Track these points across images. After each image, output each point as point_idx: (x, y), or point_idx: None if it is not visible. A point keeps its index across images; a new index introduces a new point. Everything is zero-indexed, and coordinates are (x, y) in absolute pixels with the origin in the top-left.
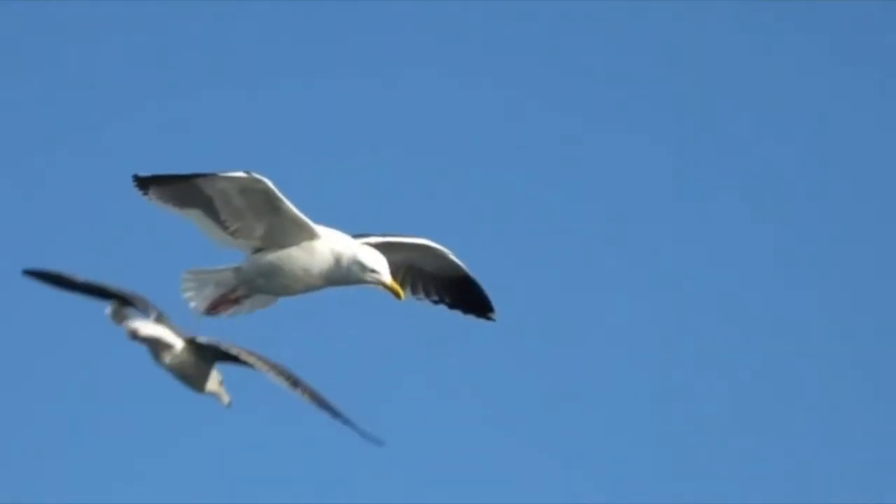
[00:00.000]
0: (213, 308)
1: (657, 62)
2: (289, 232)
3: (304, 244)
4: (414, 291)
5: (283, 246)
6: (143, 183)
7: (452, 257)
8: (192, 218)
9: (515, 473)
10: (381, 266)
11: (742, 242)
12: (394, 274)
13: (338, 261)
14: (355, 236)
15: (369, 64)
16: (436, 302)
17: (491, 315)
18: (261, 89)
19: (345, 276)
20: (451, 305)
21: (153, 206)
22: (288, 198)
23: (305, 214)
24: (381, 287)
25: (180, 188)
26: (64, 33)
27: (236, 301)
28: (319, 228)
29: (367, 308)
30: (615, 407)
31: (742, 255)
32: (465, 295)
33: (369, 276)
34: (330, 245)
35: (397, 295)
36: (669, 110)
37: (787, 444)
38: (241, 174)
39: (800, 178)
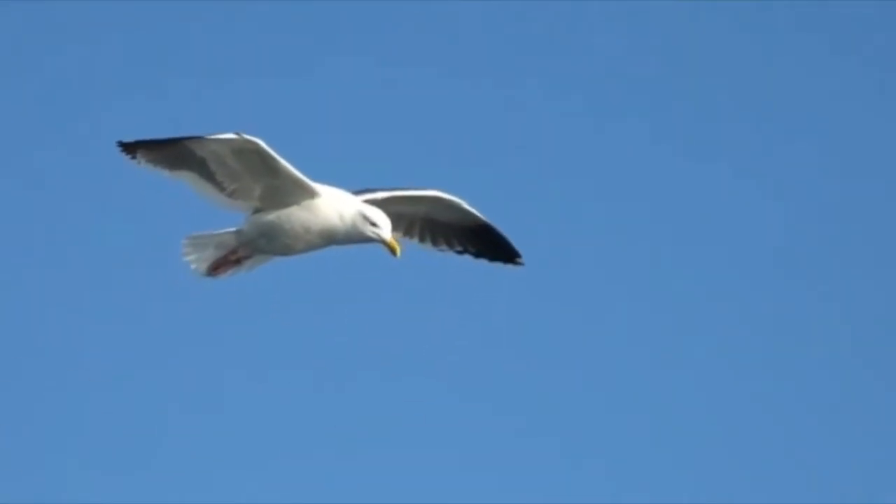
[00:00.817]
0: (215, 269)
1: (660, 59)
2: (288, 192)
3: (305, 203)
4: (435, 244)
5: (283, 206)
6: (129, 148)
7: (467, 206)
8: (187, 181)
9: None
10: (383, 222)
11: (746, 236)
12: (409, 227)
13: (340, 218)
14: (359, 192)
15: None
16: (460, 252)
17: (518, 260)
18: (257, 83)
19: (347, 233)
20: (477, 254)
21: (144, 170)
22: (285, 158)
23: (304, 174)
24: (381, 244)
25: (170, 151)
26: (58, 32)
27: (237, 262)
28: (320, 187)
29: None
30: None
31: (746, 249)
32: (487, 243)
33: (371, 232)
34: (331, 202)
35: (394, 252)
36: (672, 107)
37: (803, 444)
38: (231, 136)
39: (805, 170)
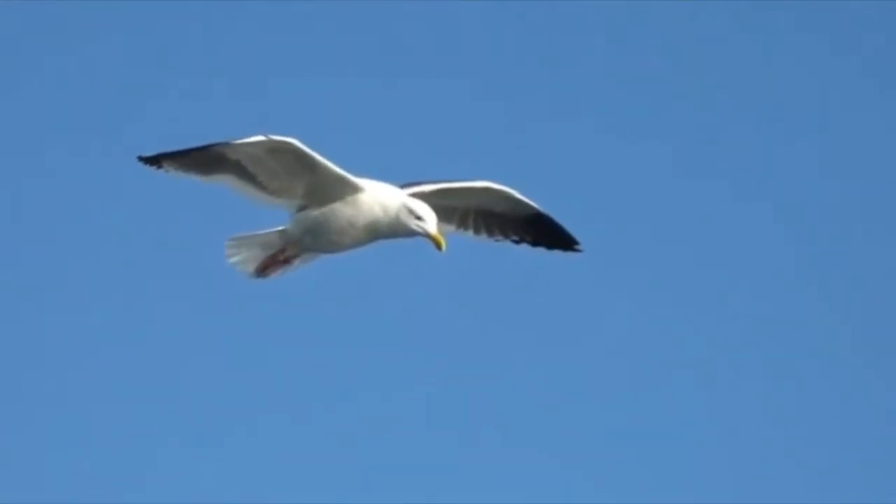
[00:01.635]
0: (263, 270)
1: (660, 63)
2: (331, 188)
3: (349, 198)
4: (490, 234)
5: (326, 202)
6: (152, 161)
7: (518, 196)
8: (226, 184)
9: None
10: (428, 215)
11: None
12: (462, 220)
13: (384, 212)
14: (405, 185)
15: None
16: (517, 241)
17: (577, 247)
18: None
19: (392, 227)
20: (534, 243)
21: (174, 178)
22: (322, 155)
23: (345, 169)
24: (426, 238)
25: (199, 159)
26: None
27: (286, 261)
28: (362, 181)
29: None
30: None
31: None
32: (542, 231)
33: (416, 225)
34: (375, 196)
35: (439, 246)
36: (673, 112)
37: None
38: (260, 138)
39: (804, 177)
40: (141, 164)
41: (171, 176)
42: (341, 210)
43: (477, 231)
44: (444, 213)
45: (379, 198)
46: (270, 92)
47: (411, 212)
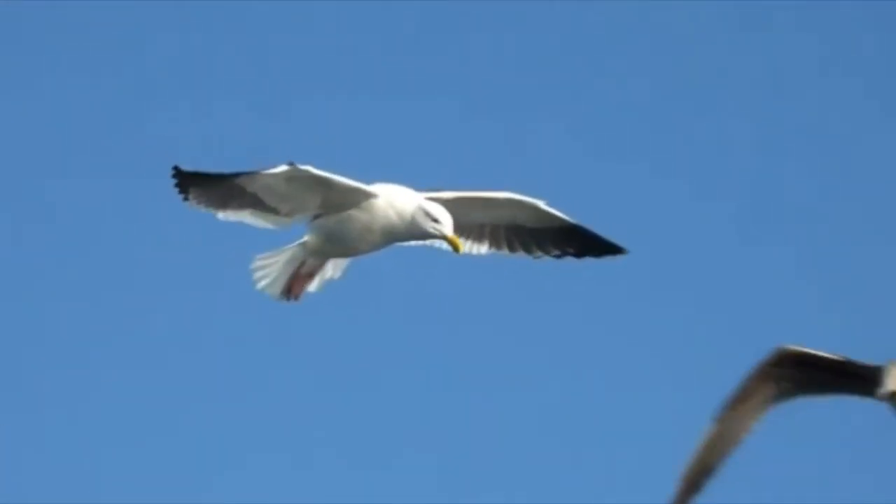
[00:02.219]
0: (289, 291)
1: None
2: (345, 198)
3: (364, 204)
4: (528, 251)
5: (342, 210)
6: (185, 181)
7: (546, 208)
8: (242, 219)
9: None
10: (444, 217)
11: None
12: (493, 237)
13: (399, 215)
14: (424, 190)
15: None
16: (558, 256)
17: (622, 250)
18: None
19: (407, 229)
20: (578, 255)
21: (193, 210)
22: (336, 173)
23: (359, 181)
24: (444, 241)
25: (222, 190)
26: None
27: (310, 276)
28: (376, 187)
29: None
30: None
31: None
32: (582, 243)
33: (432, 228)
34: (389, 201)
35: (456, 248)
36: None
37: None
38: (285, 168)
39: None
40: (173, 187)
41: (190, 207)
42: (357, 216)
43: (512, 249)
44: (475, 231)
45: (393, 202)
46: (284, 112)
47: (427, 214)
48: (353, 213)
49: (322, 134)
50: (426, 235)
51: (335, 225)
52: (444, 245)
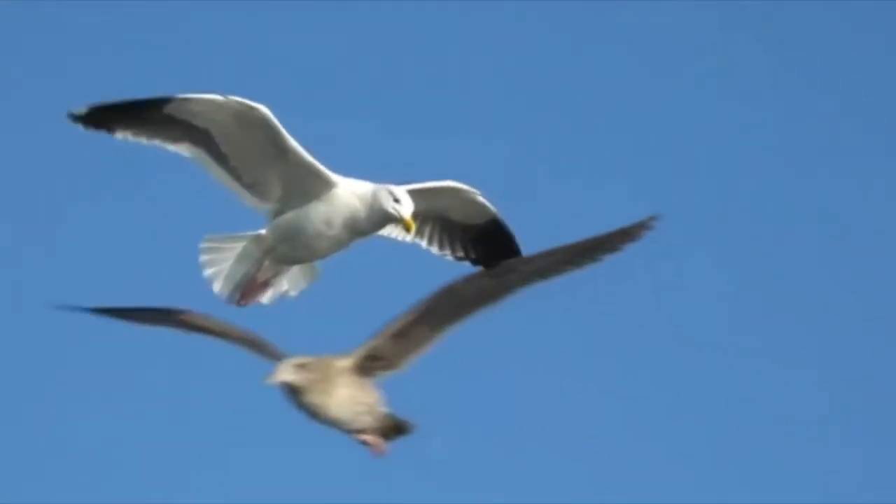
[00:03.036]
0: (243, 297)
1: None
2: (305, 182)
3: (324, 195)
4: (440, 247)
5: (302, 202)
6: (91, 120)
7: (480, 199)
8: (199, 160)
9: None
10: (405, 198)
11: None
12: (419, 227)
13: (361, 201)
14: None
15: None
16: (460, 258)
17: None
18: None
19: (370, 215)
20: (475, 261)
21: (133, 144)
22: (293, 136)
23: (318, 160)
24: (399, 223)
25: (155, 120)
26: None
27: (265, 284)
28: (335, 176)
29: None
30: None
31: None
32: (492, 244)
33: (393, 208)
34: (349, 188)
35: (408, 229)
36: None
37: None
38: (216, 97)
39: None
40: (83, 128)
41: (129, 141)
42: (317, 208)
43: (430, 241)
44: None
45: (353, 189)
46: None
47: (391, 193)
48: (314, 205)
49: None
50: (386, 218)
51: (294, 218)
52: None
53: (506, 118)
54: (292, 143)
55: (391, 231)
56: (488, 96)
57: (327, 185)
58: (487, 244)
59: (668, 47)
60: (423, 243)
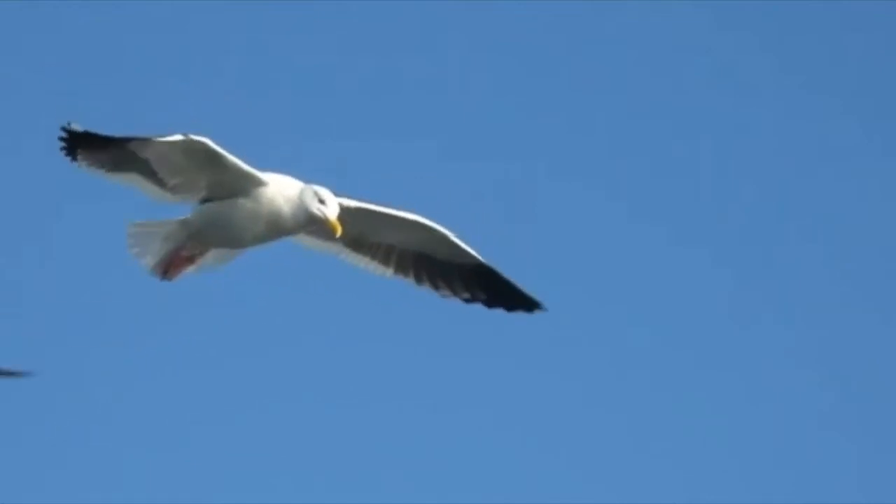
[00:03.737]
0: (167, 269)
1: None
2: (235, 183)
3: (252, 192)
4: (435, 287)
5: (229, 196)
6: (73, 142)
7: (455, 240)
8: (129, 182)
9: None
10: (331, 201)
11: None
12: (400, 262)
13: (286, 200)
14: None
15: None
16: (468, 301)
17: (538, 305)
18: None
19: (294, 215)
20: (488, 303)
21: (81, 170)
22: (232, 153)
23: (253, 166)
24: (325, 224)
25: (114, 153)
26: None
27: (190, 259)
28: (268, 175)
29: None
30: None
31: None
32: (494, 289)
33: (317, 209)
34: (278, 188)
35: (334, 231)
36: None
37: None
38: (179, 137)
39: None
40: (61, 147)
41: (80, 167)
42: (243, 204)
43: (419, 280)
44: (381, 251)
45: (281, 189)
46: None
47: (315, 193)
48: (241, 200)
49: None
50: (310, 219)
51: (220, 210)
52: (345, 257)
53: (505, 120)
54: (230, 159)
55: (374, 267)
56: (488, 98)
57: (255, 183)
58: (488, 286)
59: (667, 49)
60: (410, 281)
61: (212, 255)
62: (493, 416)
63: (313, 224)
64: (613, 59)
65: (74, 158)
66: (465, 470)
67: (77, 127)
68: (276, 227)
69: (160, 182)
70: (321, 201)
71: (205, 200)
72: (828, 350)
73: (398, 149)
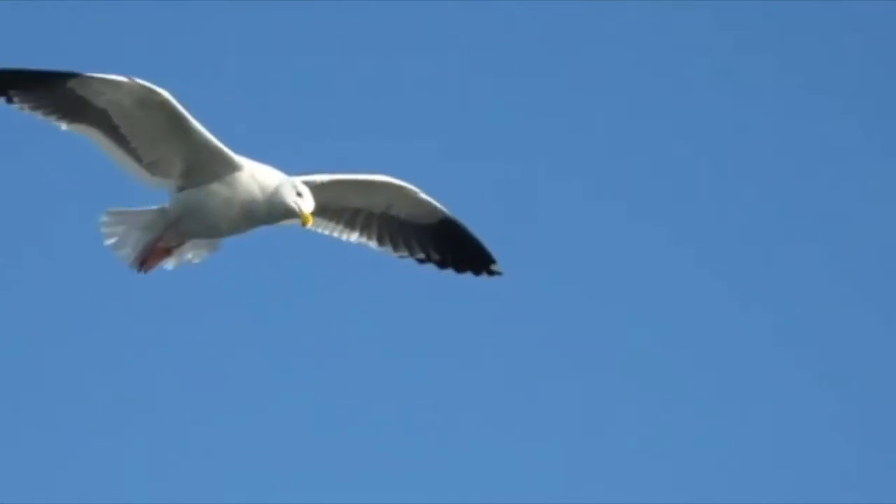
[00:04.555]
0: (145, 261)
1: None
2: (208, 164)
3: (226, 178)
4: (395, 248)
5: (204, 182)
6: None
7: (423, 196)
8: (91, 137)
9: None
10: (307, 193)
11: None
12: (365, 226)
13: (262, 190)
14: (298, 175)
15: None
16: (422, 260)
17: (493, 267)
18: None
19: (269, 206)
20: (441, 263)
21: (33, 117)
22: (197, 119)
23: (224, 143)
24: (299, 218)
25: (56, 93)
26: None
27: (167, 251)
28: (242, 159)
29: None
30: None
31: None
32: (452, 245)
33: (294, 202)
34: (253, 175)
35: (305, 222)
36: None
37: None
38: (120, 78)
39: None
40: None
41: (24, 112)
42: (218, 190)
43: (381, 241)
44: (347, 216)
45: (257, 176)
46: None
47: (294, 187)
48: (215, 186)
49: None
50: (286, 212)
51: (197, 197)
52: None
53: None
54: (195, 125)
55: (339, 232)
56: (488, 98)
57: (231, 167)
58: (449, 246)
59: (667, 49)
60: (373, 244)
61: (190, 248)
62: (493, 416)
63: (289, 217)
64: (613, 59)
65: (9, 100)
66: (465, 470)
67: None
68: (251, 215)
69: (133, 154)
70: (298, 194)
71: (181, 189)
72: (827, 350)
73: (398, 149)
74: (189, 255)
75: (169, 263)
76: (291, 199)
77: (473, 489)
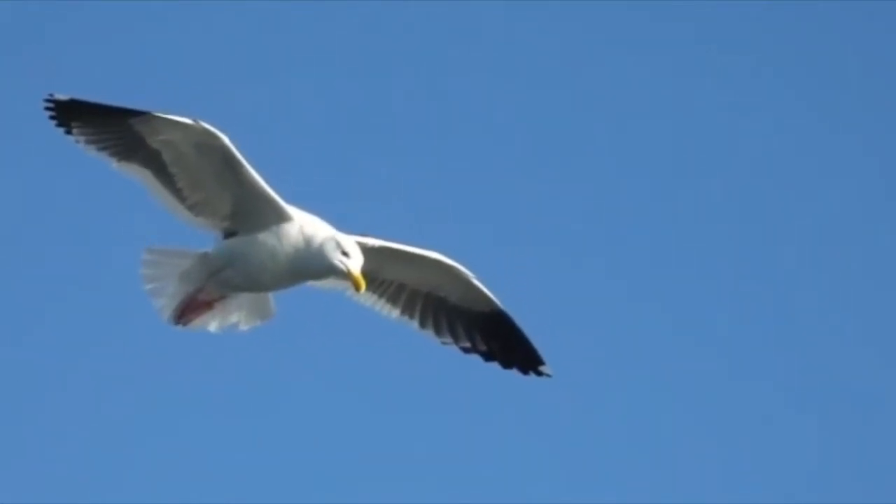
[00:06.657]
0: (183, 315)
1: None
2: (257, 211)
3: (274, 227)
4: (438, 332)
5: (252, 230)
6: (65, 110)
7: (474, 281)
8: (141, 177)
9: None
10: (355, 253)
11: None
12: (409, 304)
13: (307, 243)
14: (351, 234)
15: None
16: (467, 350)
17: (542, 369)
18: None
19: (313, 257)
20: (486, 355)
21: (84, 152)
22: (252, 165)
23: (277, 192)
24: (346, 277)
25: (114, 128)
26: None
27: (208, 305)
28: (293, 210)
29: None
30: None
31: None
32: (501, 339)
33: (340, 261)
34: (303, 227)
35: (358, 286)
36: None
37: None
38: (187, 120)
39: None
40: (50, 118)
41: (81, 147)
42: (264, 239)
43: (423, 323)
44: (393, 291)
45: (305, 229)
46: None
47: (339, 245)
48: (262, 235)
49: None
50: (331, 269)
51: (241, 246)
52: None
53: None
54: (250, 171)
55: (380, 306)
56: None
57: (280, 217)
58: (498, 339)
59: (667, 48)
60: (414, 324)
61: (236, 309)
62: (493, 417)
63: (332, 275)
64: (613, 59)
65: (69, 131)
66: (465, 470)
67: (61, 96)
68: (294, 269)
69: (178, 193)
70: (344, 253)
71: (227, 235)
72: (827, 349)
73: (398, 157)
74: (235, 319)
75: (213, 325)
76: (336, 257)
77: (476, 489)
